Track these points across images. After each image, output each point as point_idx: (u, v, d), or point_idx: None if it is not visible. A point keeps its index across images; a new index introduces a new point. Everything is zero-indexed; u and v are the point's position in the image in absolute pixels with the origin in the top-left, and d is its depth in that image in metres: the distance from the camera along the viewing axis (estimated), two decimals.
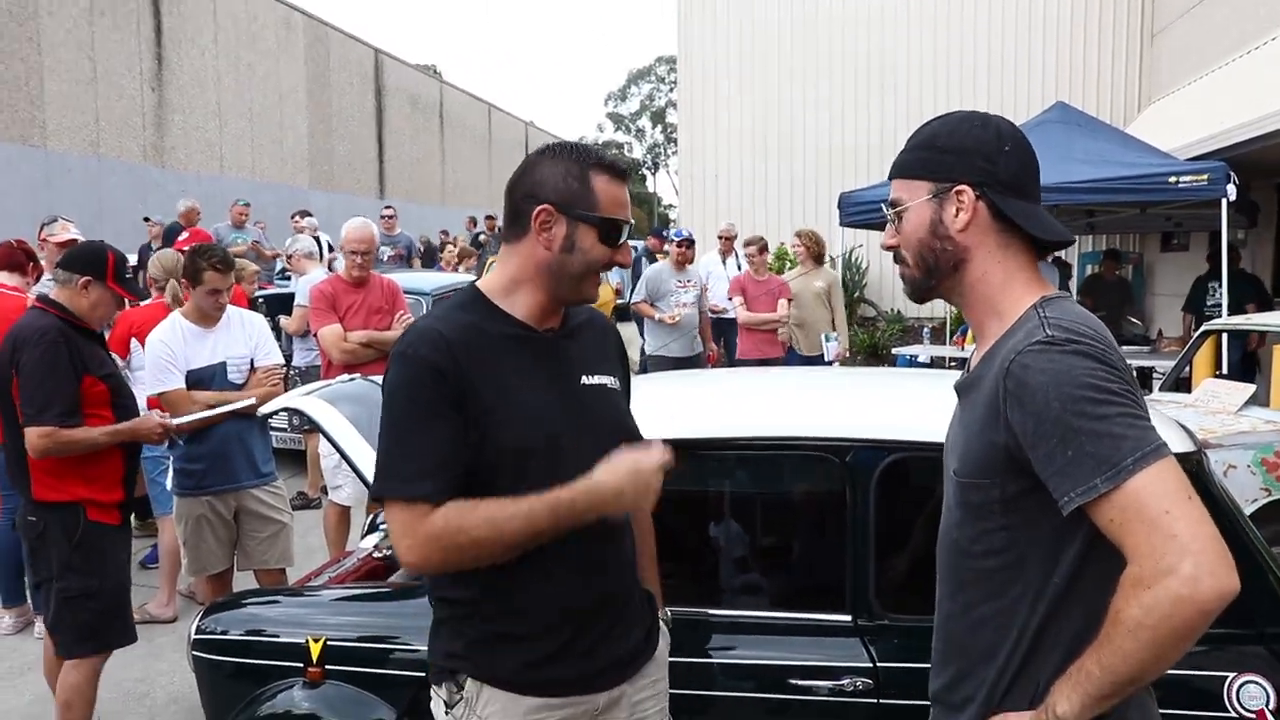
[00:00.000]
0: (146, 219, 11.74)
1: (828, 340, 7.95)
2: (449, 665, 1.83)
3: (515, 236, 1.82)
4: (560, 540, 1.74)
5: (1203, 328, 6.17)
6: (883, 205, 1.66)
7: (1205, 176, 7.25)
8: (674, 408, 2.78)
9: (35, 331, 3.16)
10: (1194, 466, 2.32)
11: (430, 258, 14.30)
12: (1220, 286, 8.44)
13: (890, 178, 1.65)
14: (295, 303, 6.97)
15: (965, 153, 1.55)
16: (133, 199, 17.80)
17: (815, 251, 8.22)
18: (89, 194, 16.95)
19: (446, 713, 1.82)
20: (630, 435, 1.91)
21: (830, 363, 7.90)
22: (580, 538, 1.76)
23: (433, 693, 1.88)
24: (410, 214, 18.28)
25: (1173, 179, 7.43)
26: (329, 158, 25.05)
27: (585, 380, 1.86)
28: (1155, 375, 8.17)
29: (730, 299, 7.87)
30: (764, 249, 7.89)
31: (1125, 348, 9.31)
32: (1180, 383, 6.25)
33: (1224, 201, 7.20)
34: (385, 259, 11.28)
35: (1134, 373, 1.45)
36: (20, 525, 3.33)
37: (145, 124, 18.54)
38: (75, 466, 3.22)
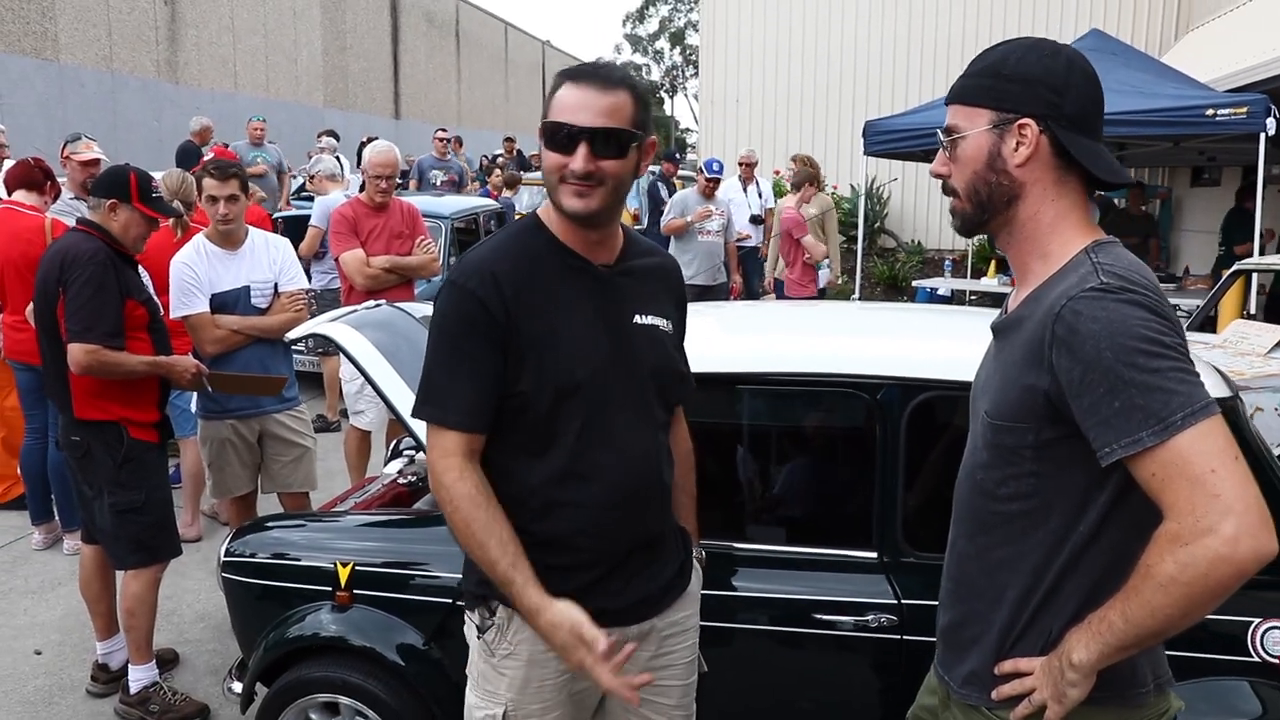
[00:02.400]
0: None
1: (819, 268, 7.94)
2: (482, 592, 1.86)
3: None
4: (601, 478, 1.77)
5: (1234, 267, 6.06)
6: (938, 131, 1.59)
7: (1244, 109, 7.03)
8: (706, 340, 2.74)
9: (84, 253, 3.19)
10: (1229, 411, 2.28)
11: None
12: None
13: (948, 102, 1.58)
14: (310, 223, 6.93)
15: (1031, 83, 1.47)
16: (147, 115, 17.64)
17: (811, 177, 8.17)
18: (103, 109, 16.79)
19: (479, 637, 1.86)
20: (674, 377, 1.91)
21: (822, 289, 7.93)
22: (621, 478, 1.78)
23: (466, 617, 1.91)
24: (426, 134, 18.02)
25: (1210, 111, 7.21)
26: (343, 76, 24.67)
27: (638, 319, 1.84)
28: (1180, 314, 8.05)
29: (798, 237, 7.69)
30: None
31: None
32: (1205, 324, 6.16)
33: (1262, 136, 7.01)
34: (438, 183, 11.18)
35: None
36: (64, 444, 3.38)
37: (158, 38, 18.25)
38: (115, 387, 3.27)
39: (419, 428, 2.61)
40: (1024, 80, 1.48)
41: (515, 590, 1.71)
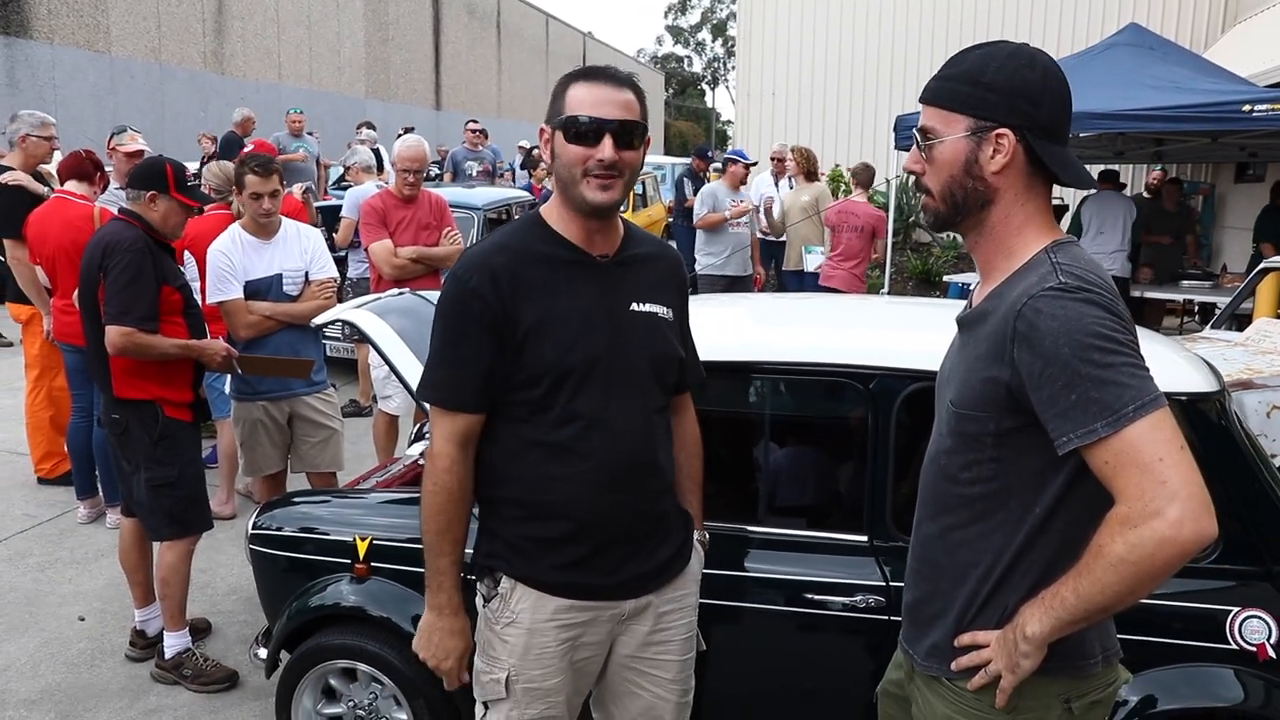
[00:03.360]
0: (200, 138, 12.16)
1: (809, 252, 8.08)
2: (488, 563, 2.00)
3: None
4: (592, 457, 1.88)
5: (1260, 265, 6.02)
6: (914, 130, 1.66)
7: None
8: (707, 330, 2.84)
9: (124, 240, 3.37)
10: (1215, 407, 2.34)
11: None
12: None
13: (923, 101, 1.63)
14: (341, 214, 7.11)
15: (1011, 93, 1.52)
16: (193, 106, 18.03)
17: (806, 167, 8.32)
18: (151, 100, 17.20)
19: (484, 606, 2.00)
20: (670, 363, 2.01)
21: (814, 274, 8.14)
22: (612, 457, 1.89)
23: (477, 586, 2.04)
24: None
25: (1247, 107, 7.12)
26: (385, 67, 24.98)
27: (635, 307, 1.95)
28: (1217, 312, 7.99)
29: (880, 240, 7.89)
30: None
31: (1186, 282, 9.11)
32: (1242, 321, 6.13)
33: None
34: (474, 174, 11.35)
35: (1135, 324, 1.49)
36: (105, 422, 3.58)
37: (205, 31, 18.64)
38: (152, 368, 3.44)
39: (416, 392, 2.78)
40: (1003, 90, 1.53)
41: (441, 582, 1.92)
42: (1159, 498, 1.34)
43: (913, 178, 1.70)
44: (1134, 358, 1.41)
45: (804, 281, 8.33)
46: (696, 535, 2.18)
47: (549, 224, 1.94)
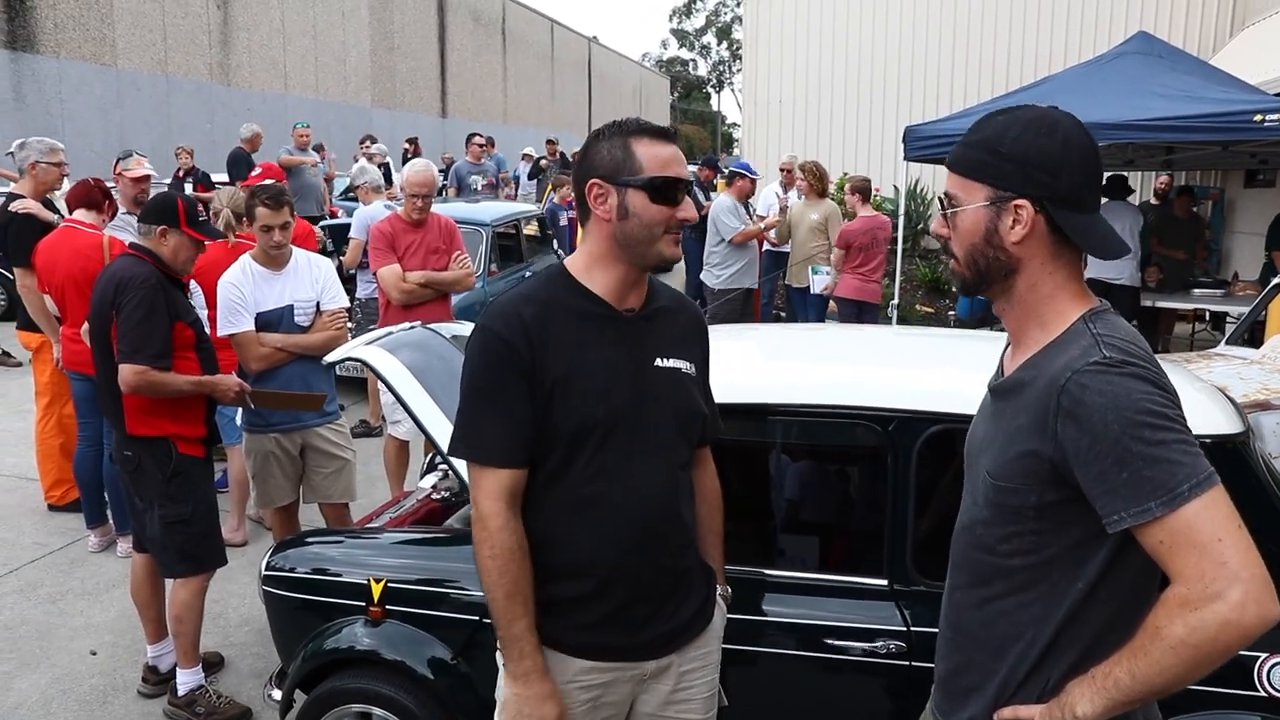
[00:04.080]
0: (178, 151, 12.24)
1: (815, 273, 8.07)
2: None
3: (586, 218, 1.91)
4: (616, 513, 1.86)
5: (1274, 281, 5.97)
6: (939, 196, 1.65)
7: None
8: (724, 370, 2.82)
9: (136, 277, 3.36)
10: (1239, 447, 2.31)
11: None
12: None
13: (947, 167, 1.63)
14: (350, 234, 7.11)
15: (1028, 164, 1.50)
16: (200, 117, 18.09)
17: (819, 187, 8.38)
18: (158, 113, 17.25)
19: (503, 665, 1.96)
20: (695, 418, 1.99)
21: (818, 295, 8.20)
22: (636, 514, 1.87)
23: (498, 644, 2.00)
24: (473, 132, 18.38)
25: (1258, 117, 7.07)
26: (391, 76, 25.03)
27: (659, 362, 1.93)
28: (1229, 320, 7.95)
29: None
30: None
31: (1198, 290, 9.06)
32: (1255, 329, 6.07)
33: None
34: (479, 188, 11.34)
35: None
36: (117, 459, 3.55)
37: (211, 42, 18.69)
38: (164, 404, 3.43)
39: (447, 447, 2.75)
40: (1020, 161, 1.51)
41: (522, 649, 1.83)
42: (1219, 579, 1.31)
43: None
44: (1184, 434, 1.38)
45: (808, 299, 8.31)
46: (719, 590, 2.15)
47: (576, 278, 1.92)
